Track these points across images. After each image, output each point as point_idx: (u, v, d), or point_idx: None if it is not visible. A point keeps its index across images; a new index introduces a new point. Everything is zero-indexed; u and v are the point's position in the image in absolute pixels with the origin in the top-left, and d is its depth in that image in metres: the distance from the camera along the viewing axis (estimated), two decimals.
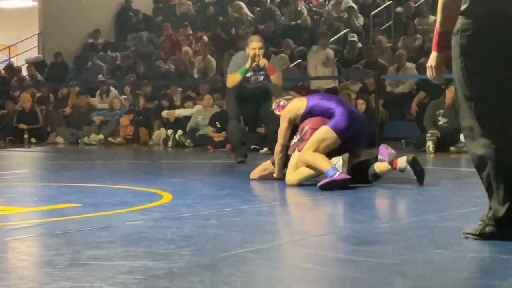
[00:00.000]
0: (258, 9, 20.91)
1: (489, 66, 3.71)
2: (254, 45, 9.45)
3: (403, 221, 4.81)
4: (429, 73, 3.94)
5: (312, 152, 6.54)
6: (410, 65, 14.26)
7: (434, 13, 15.90)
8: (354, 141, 6.74)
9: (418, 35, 15.91)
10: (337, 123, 6.60)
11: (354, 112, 6.91)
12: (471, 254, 3.64)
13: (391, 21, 18.21)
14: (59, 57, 20.20)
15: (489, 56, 3.70)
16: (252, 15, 20.60)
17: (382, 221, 4.79)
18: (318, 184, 6.41)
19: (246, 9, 20.70)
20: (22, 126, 16.61)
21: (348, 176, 6.37)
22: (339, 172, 6.35)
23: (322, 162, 6.46)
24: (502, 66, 3.71)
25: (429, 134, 11.21)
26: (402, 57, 14.26)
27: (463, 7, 3.73)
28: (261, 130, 12.58)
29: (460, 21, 3.74)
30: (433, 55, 3.90)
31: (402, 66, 14.16)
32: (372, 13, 17.99)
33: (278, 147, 7.01)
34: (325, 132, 6.58)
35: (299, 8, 19.37)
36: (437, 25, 3.85)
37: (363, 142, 6.96)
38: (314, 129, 7.43)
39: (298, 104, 6.95)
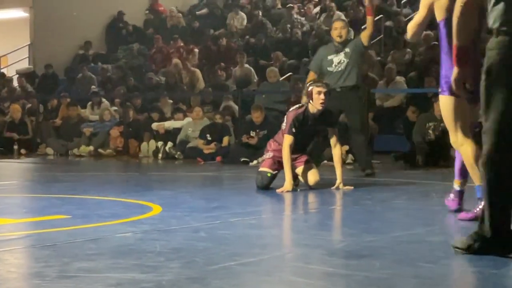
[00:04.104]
0: (245, 21, 20.97)
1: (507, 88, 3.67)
2: (337, 24, 9.59)
3: (392, 235, 4.83)
4: (454, 87, 3.91)
5: (467, 144, 5.32)
6: (399, 79, 14.32)
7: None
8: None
9: (408, 50, 15.97)
10: (449, 84, 5.07)
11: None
12: (459, 268, 3.65)
13: (381, 35, 18.26)
14: (49, 68, 20.19)
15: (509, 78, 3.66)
16: (242, 27, 20.67)
17: (371, 235, 4.80)
18: (460, 217, 5.46)
19: (235, 22, 20.80)
20: (10, 134, 16.57)
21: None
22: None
23: (474, 172, 5.34)
24: None
25: (419, 148, 11.24)
26: (391, 71, 14.32)
27: (495, 25, 3.69)
28: (253, 140, 12.60)
29: (491, 39, 3.70)
30: (454, 69, 3.88)
31: (391, 80, 14.22)
32: (362, 27, 18.03)
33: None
34: (447, 104, 5.39)
35: (289, 25, 19.41)
36: (454, 40, 3.80)
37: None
38: (275, 140, 7.85)
39: None
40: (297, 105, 7.88)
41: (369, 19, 9.31)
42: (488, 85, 3.71)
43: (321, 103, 7.52)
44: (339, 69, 9.35)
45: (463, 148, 5.35)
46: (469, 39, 3.72)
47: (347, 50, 9.38)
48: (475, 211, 5.25)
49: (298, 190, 7.61)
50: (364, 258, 3.91)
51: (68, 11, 21.24)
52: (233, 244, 4.39)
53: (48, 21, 21.31)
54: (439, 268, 3.63)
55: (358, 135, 9.46)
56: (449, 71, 5.17)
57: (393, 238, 4.68)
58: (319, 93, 7.51)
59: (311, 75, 9.65)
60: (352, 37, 11.10)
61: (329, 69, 9.41)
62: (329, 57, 9.42)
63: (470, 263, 3.77)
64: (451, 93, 5.24)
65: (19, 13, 22.69)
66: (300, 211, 6.65)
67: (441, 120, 11.01)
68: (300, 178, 7.79)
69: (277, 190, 7.40)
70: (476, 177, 5.28)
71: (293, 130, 7.51)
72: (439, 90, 5.45)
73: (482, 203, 5.21)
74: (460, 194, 5.76)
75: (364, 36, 9.38)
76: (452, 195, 5.77)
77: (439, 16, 5.43)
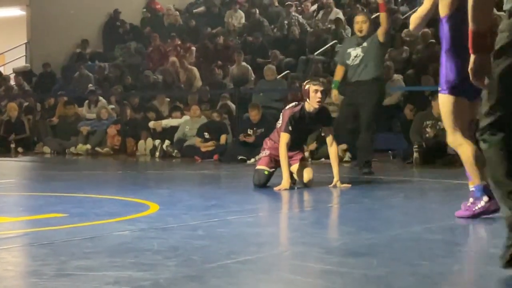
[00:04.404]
0: (243, 19, 20.95)
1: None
2: (358, 19, 9.46)
3: (389, 233, 4.83)
4: (471, 77, 3.70)
5: (466, 144, 5.20)
6: (397, 77, 14.31)
7: None
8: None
9: (405, 47, 15.96)
10: (450, 84, 5.25)
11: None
12: (456, 266, 3.65)
13: None
14: (47, 67, 20.18)
15: None
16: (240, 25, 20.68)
17: (368, 233, 4.80)
18: (457, 214, 5.37)
19: (233, 20, 20.81)
20: (4, 135, 16.56)
21: (497, 207, 4.85)
22: (487, 199, 5.15)
23: (474, 171, 5.21)
24: None
25: (416, 146, 11.24)
26: (389, 69, 14.30)
27: (508, 6, 3.54)
28: (250, 139, 12.59)
29: (503, 21, 3.54)
30: (471, 57, 3.67)
31: (389, 78, 14.20)
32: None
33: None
34: (447, 103, 5.27)
35: (286, 22, 19.41)
36: (470, 25, 3.60)
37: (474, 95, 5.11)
38: (271, 139, 7.87)
39: None
40: (293, 103, 7.88)
41: (382, 15, 9.22)
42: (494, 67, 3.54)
43: (317, 102, 7.53)
44: (355, 63, 9.30)
45: (462, 148, 5.24)
46: (487, 23, 3.51)
47: (364, 44, 9.31)
48: (474, 209, 5.22)
49: (296, 188, 7.61)
50: (362, 256, 3.91)
51: (65, 10, 21.21)
52: (230, 242, 4.39)
53: (45, 20, 21.29)
54: (437, 266, 3.62)
55: (362, 132, 9.33)
56: (450, 70, 5.25)
57: (391, 236, 4.68)
58: (316, 91, 7.52)
59: (338, 68, 9.68)
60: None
61: (347, 62, 9.39)
62: (348, 50, 9.38)
63: (468, 261, 3.78)
64: (451, 92, 5.21)
65: (16, 12, 22.67)
66: (297, 209, 6.65)
67: (439, 119, 11.07)
68: (295, 176, 7.79)
69: (275, 188, 7.40)
70: (476, 176, 5.18)
71: (290, 128, 7.51)
72: (439, 88, 5.36)
73: (481, 202, 5.20)
74: None
75: (379, 33, 9.27)
76: (471, 199, 5.32)
77: (443, 11, 5.33)
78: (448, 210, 5.77)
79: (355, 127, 9.45)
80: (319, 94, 7.52)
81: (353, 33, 9.49)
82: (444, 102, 5.30)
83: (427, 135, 11.44)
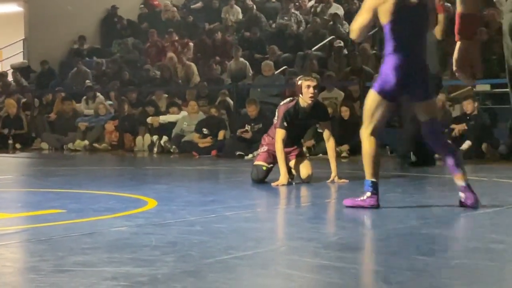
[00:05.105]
0: (240, 15, 20.94)
1: None
2: None
3: (387, 227, 4.83)
4: (454, 68, 3.47)
5: (369, 141, 5.65)
6: None
7: None
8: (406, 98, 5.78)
9: None
10: (383, 85, 5.62)
11: (410, 61, 5.65)
12: (454, 261, 3.66)
13: (376, 28, 18.23)
14: (45, 65, 20.16)
15: None
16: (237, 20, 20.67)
17: (366, 228, 4.80)
18: (346, 202, 5.77)
19: (230, 15, 20.80)
20: (3, 131, 16.57)
21: (376, 203, 5.63)
22: (370, 195, 5.63)
23: (368, 167, 5.65)
24: None
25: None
26: None
27: None
28: (247, 135, 12.60)
29: (509, 1, 3.27)
30: (456, 45, 3.37)
31: None
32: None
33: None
34: (372, 99, 5.67)
35: (285, 18, 19.39)
36: (458, 8, 3.30)
37: (417, 97, 5.72)
38: (268, 135, 7.89)
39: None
40: (287, 99, 7.90)
41: (440, 16, 9.53)
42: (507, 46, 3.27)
43: (310, 97, 7.54)
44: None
45: (365, 143, 5.67)
46: (476, 6, 3.29)
47: None
48: (357, 200, 5.64)
49: (294, 183, 7.62)
50: (359, 251, 3.92)
51: (63, 6, 21.19)
52: (228, 237, 4.39)
53: (42, 16, 21.27)
54: (434, 261, 3.63)
55: (408, 124, 9.72)
56: (387, 72, 5.58)
57: (388, 230, 4.69)
58: (308, 87, 7.53)
59: None
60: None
61: None
62: None
63: (465, 255, 3.78)
64: (380, 92, 5.60)
65: (13, 8, 22.63)
66: (295, 205, 6.66)
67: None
68: (293, 171, 7.80)
69: (273, 184, 7.41)
70: (368, 172, 5.64)
71: (285, 124, 7.52)
72: (372, 84, 5.78)
73: (364, 195, 5.60)
74: (468, 188, 5.51)
75: (437, 31, 9.56)
76: (461, 194, 5.51)
77: (385, 19, 5.63)
78: (446, 205, 5.78)
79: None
80: (311, 90, 7.53)
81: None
82: (370, 98, 5.69)
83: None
